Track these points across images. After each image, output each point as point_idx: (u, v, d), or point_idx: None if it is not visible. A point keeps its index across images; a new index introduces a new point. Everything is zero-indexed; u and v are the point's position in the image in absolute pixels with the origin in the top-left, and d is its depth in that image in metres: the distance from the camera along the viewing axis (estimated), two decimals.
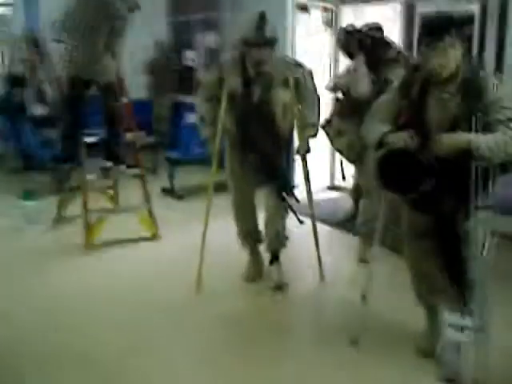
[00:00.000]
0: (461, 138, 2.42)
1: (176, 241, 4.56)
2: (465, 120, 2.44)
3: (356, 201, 4.91)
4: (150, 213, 4.57)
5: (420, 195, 2.48)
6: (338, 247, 4.49)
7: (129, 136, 4.60)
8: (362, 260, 4.09)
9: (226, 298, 3.57)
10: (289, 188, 3.54)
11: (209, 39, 7.40)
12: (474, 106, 2.42)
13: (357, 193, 4.87)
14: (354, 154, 4.08)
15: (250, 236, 3.82)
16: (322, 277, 3.78)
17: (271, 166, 3.47)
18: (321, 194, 5.93)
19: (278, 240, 3.65)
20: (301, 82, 3.48)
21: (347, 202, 5.18)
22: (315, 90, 3.58)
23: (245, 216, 3.77)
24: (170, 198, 5.77)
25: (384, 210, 4.19)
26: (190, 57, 7.80)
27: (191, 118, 6.88)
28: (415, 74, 2.61)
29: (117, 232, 4.50)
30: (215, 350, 3.01)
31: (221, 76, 3.48)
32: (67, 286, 3.75)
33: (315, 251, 3.77)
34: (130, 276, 3.91)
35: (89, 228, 4.35)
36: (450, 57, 2.42)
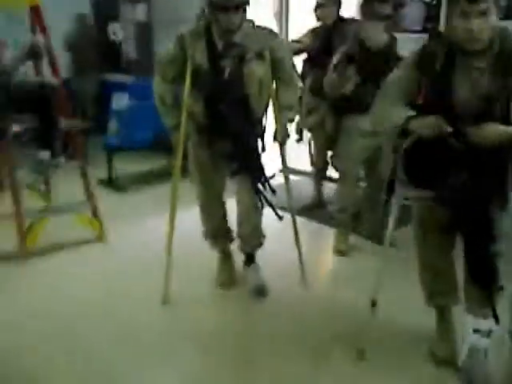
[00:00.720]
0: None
1: (127, 241, 3.99)
2: (499, 100, 2.10)
3: (320, 186, 4.57)
4: (95, 211, 3.98)
5: (451, 189, 2.13)
6: (307, 237, 4.10)
7: (65, 123, 3.95)
8: (339, 251, 3.75)
9: (200, 310, 3.09)
10: (264, 178, 3.06)
11: (138, 11, 6.71)
12: (510, 83, 2.09)
13: (322, 177, 4.53)
14: (326, 135, 3.69)
15: (219, 235, 3.35)
16: (303, 276, 3.37)
17: (245, 153, 2.98)
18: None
19: (255, 238, 3.20)
20: (278, 56, 2.99)
21: (307, 187, 4.82)
22: (294, 65, 3.14)
23: (213, 212, 3.29)
24: (110, 190, 5.14)
25: (361, 196, 3.94)
26: (116, 30, 7.08)
27: (124, 99, 6.27)
28: (437, 45, 2.21)
29: (55, 236, 3.86)
30: (195, 377, 2.55)
31: (183, 50, 2.93)
32: None
33: (294, 247, 3.35)
34: (78, 291, 3.29)
35: (24, 232, 3.70)
36: (484, 23, 2.04)
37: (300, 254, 3.36)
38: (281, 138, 3.16)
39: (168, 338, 2.82)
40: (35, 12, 3.74)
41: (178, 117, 3.02)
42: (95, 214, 3.97)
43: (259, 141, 3.10)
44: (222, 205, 3.30)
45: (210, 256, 3.42)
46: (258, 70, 2.93)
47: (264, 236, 3.23)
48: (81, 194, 3.99)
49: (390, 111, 2.27)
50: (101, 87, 6.87)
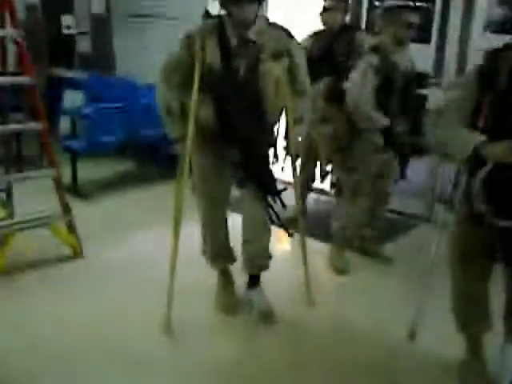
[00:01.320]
0: None
1: (106, 256, 3.63)
2: None
3: (304, 197, 4.37)
4: (71, 225, 3.59)
5: None
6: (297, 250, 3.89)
7: (32, 125, 3.54)
8: (338, 269, 3.58)
9: (204, 339, 2.81)
10: (276, 190, 2.81)
11: (94, 3, 6.26)
12: None
13: (306, 189, 4.33)
14: (335, 146, 3.50)
15: (221, 254, 3.08)
16: (310, 298, 3.14)
17: (255, 161, 2.74)
18: None
19: (263, 259, 2.94)
20: (295, 61, 2.77)
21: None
22: (307, 72, 2.92)
23: (216, 228, 3.01)
24: (74, 197, 4.70)
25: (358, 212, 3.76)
26: (68, 23, 6.58)
27: (77, 97, 5.84)
28: (501, 56, 2.06)
29: (24, 253, 3.46)
30: None
31: (190, 52, 2.65)
32: None
33: (290, 264, 3.14)
34: (61, 320, 2.91)
35: None
36: None
37: (307, 275, 3.15)
38: (294, 150, 2.94)
39: (172, 371, 2.54)
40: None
41: (185, 126, 2.74)
42: (71, 228, 3.59)
43: (271, 149, 2.87)
44: (226, 220, 3.04)
45: (209, 274, 3.15)
46: (275, 69, 2.70)
47: (271, 257, 3.00)
48: (49, 204, 3.60)
49: (455, 133, 2.11)
50: (51, 84, 6.36)
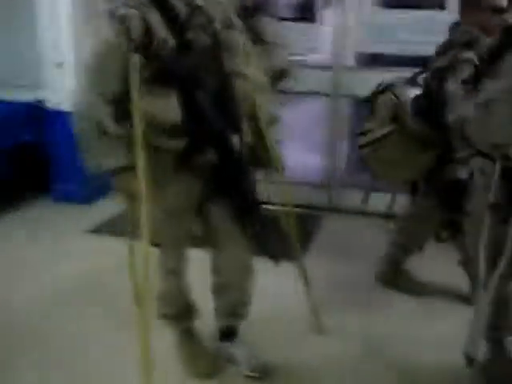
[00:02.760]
0: None
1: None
2: None
3: None
4: None
5: None
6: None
7: None
8: None
9: None
10: (256, 204, 2.13)
11: None
12: None
13: None
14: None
15: (188, 310, 2.41)
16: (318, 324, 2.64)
17: (235, 167, 2.05)
18: None
19: (243, 307, 2.36)
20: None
21: None
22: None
23: (181, 279, 2.33)
24: None
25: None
26: None
27: None
28: None
29: None
30: None
31: (130, 36, 1.91)
32: None
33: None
34: None
35: None
36: None
37: (314, 308, 2.66)
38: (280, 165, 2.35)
39: None
40: None
41: (128, 151, 1.96)
42: None
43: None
44: (186, 262, 2.34)
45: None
46: (239, 37, 2.12)
47: (250, 302, 2.39)
48: None
49: None
50: None
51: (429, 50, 2.73)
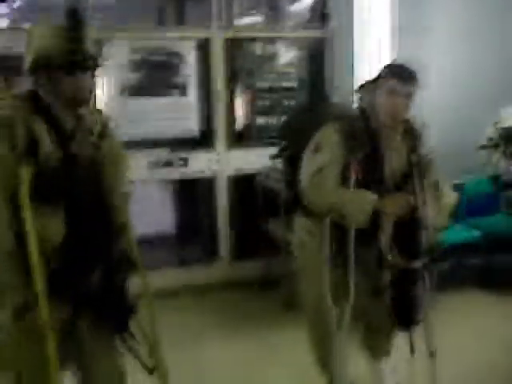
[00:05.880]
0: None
1: None
2: (410, 171, 2.36)
3: None
4: None
5: None
6: None
7: None
8: None
9: None
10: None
11: None
12: (415, 156, 2.37)
13: None
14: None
15: None
16: None
17: (111, 281, 1.95)
18: None
19: None
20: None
21: None
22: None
23: None
24: None
25: None
26: None
27: None
28: (358, 122, 2.33)
29: None
30: None
31: (13, 144, 1.75)
32: None
33: None
34: None
35: None
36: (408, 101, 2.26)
37: None
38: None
39: None
40: None
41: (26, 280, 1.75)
42: None
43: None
44: None
45: None
46: (116, 147, 2.09)
47: None
48: None
49: (348, 195, 2.30)
50: None
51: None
